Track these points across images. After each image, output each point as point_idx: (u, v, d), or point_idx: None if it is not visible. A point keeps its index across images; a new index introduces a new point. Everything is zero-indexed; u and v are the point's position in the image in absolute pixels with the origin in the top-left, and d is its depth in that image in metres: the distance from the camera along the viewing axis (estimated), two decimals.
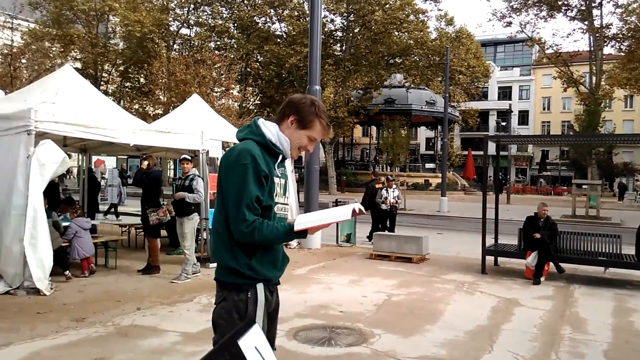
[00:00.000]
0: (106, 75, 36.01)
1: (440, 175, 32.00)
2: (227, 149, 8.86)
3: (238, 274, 2.14)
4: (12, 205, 6.29)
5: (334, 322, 5.61)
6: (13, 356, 4.29)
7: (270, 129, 2.26)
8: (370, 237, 12.78)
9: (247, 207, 2.07)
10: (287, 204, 2.38)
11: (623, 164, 47.94)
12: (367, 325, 5.50)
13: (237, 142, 2.36)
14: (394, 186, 12.63)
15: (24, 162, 6.26)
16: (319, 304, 6.40)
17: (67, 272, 7.25)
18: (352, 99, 37.05)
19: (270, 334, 2.29)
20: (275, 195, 2.25)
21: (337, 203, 16.06)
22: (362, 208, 2.17)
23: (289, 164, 2.64)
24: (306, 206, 11.09)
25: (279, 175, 2.28)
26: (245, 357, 1.42)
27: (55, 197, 9.46)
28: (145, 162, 8.06)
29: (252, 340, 1.52)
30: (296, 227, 2.11)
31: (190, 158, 7.88)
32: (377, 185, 12.96)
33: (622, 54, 36.26)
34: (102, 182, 16.85)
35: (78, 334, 4.92)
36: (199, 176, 7.76)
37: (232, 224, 2.10)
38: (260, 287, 2.18)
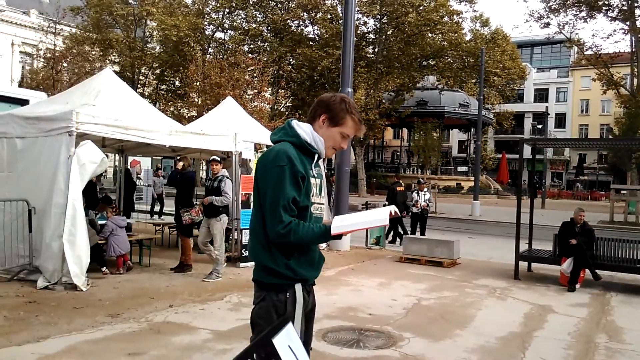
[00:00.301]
0: (143, 78, 36.91)
1: (472, 178, 31.51)
2: (259, 151, 8.99)
3: (276, 274, 2.16)
4: (53, 203, 6.53)
5: (362, 324, 5.60)
6: (51, 348, 4.44)
7: (304, 129, 2.28)
8: (393, 240, 12.74)
9: (283, 209, 2.09)
10: (322, 204, 2.39)
11: None
12: (396, 329, 5.48)
13: (270, 144, 2.39)
14: (425, 189, 12.54)
15: (65, 162, 6.49)
16: (347, 305, 6.40)
17: (104, 268, 7.47)
18: (383, 101, 36.91)
19: (307, 334, 2.31)
20: (312, 196, 2.26)
21: (367, 205, 16.05)
22: (398, 210, 2.18)
23: (321, 164, 2.66)
24: (336, 208, 11.10)
25: (315, 175, 2.30)
26: (279, 356, 1.44)
27: (93, 196, 9.75)
28: (180, 163, 8.24)
29: (286, 339, 1.53)
30: (333, 231, 2.12)
31: (219, 159, 7.99)
32: (398, 188, 12.85)
33: None
34: (138, 182, 17.26)
35: (113, 329, 5.06)
36: (227, 177, 7.86)
37: (269, 225, 2.12)
38: (298, 287, 2.20)
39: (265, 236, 2.16)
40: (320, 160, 2.40)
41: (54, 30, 29.48)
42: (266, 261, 2.17)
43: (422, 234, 12.28)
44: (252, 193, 2.32)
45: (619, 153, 36.54)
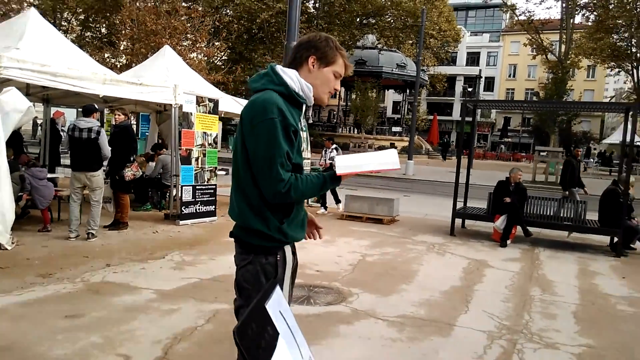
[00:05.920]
0: (65, 23, 34.11)
1: (406, 138, 32.14)
2: (201, 104, 8.55)
3: (267, 238, 1.99)
4: None
5: (311, 281, 5.59)
6: None
7: (291, 76, 2.03)
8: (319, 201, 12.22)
9: (280, 165, 1.89)
10: (308, 159, 2.25)
11: (582, 132, 49.57)
12: (345, 285, 5.52)
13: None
14: (333, 146, 11.34)
15: None
16: None
17: None
18: None
19: (290, 294, 2.19)
20: (303, 151, 2.07)
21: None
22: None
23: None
24: None
25: (303, 128, 2.11)
26: (273, 323, 1.33)
27: (19, 148, 9.00)
28: (121, 117, 7.65)
29: (277, 305, 1.43)
30: (338, 171, 1.98)
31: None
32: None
33: (590, 23, 36.80)
34: (63, 135, 16.17)
35: (45, 290, 4.73)
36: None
37: (266, 185, 1.92)
38: (288, 249, 2.06)
39: (257, 197, 1.96)
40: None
41: None
42: (256, 225, 1.97)
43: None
44: (234, 149, 2.09)
45: (544, 116, 38.50)
